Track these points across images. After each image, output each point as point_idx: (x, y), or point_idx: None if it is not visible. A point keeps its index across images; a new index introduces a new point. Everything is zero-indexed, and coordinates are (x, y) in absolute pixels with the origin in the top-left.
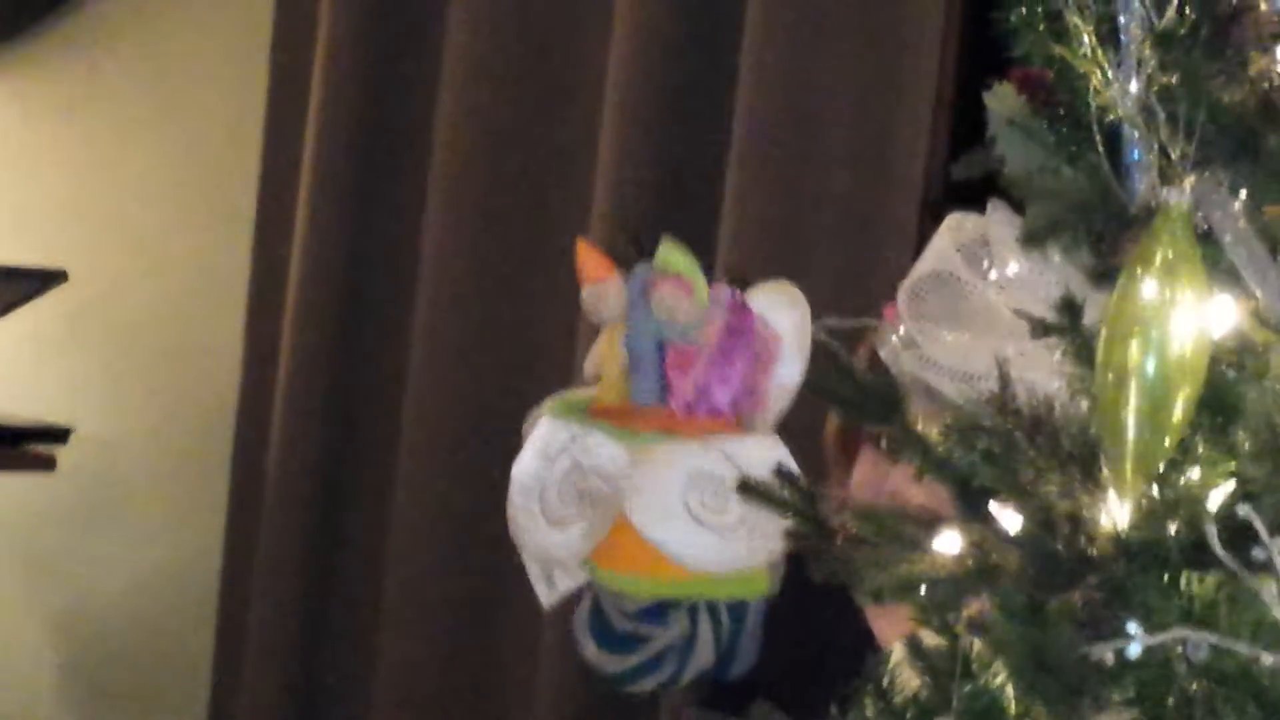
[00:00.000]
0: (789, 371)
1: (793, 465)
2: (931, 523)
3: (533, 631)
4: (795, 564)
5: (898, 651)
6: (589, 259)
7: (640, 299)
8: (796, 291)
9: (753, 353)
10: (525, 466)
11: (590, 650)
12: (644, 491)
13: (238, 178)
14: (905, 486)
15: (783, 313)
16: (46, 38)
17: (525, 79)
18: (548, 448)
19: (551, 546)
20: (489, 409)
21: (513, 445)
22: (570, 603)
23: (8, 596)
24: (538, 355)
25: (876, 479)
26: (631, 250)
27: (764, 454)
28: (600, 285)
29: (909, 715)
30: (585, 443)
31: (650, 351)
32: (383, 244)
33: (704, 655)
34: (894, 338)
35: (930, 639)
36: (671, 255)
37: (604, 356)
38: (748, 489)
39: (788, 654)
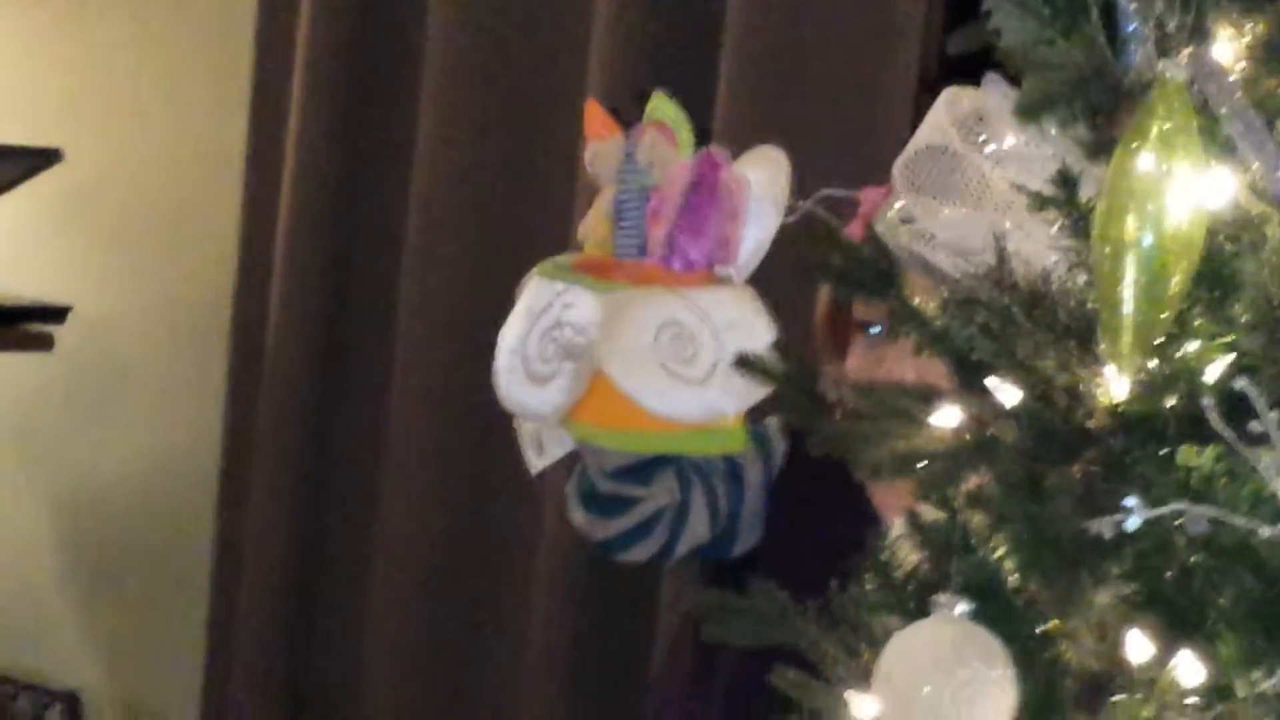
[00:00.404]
0: (762, 225)
1: (765, 316)
2: (929, 397)
3: (534, 516)
4: (797, 443)
5: (897, 526)
6: (594, 119)
7: (633, 153)
8: (775, 150)
9: (721, 204)
10: (509, 327)
11: (578, 515)
12: (615, 340)
13: (233, 54)
14: (900, 373)
15: (760, 166)
16: None
17: None
18: (531, 307)
19: (532, 404)
20: (488, 284)
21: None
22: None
23: (5, 478)
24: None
25: (870, 366)
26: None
27: (735, 304)
28: (601, 143)
29: (909, 589)
30: (565, 297)
31: (635, 205)
32: (381, 112)
33: (698, 526)
34: (890, 212)
35: (929, 514)
36: (662, 104)
37: (594, 215)
38: (744, 362)
39: (793, 534)
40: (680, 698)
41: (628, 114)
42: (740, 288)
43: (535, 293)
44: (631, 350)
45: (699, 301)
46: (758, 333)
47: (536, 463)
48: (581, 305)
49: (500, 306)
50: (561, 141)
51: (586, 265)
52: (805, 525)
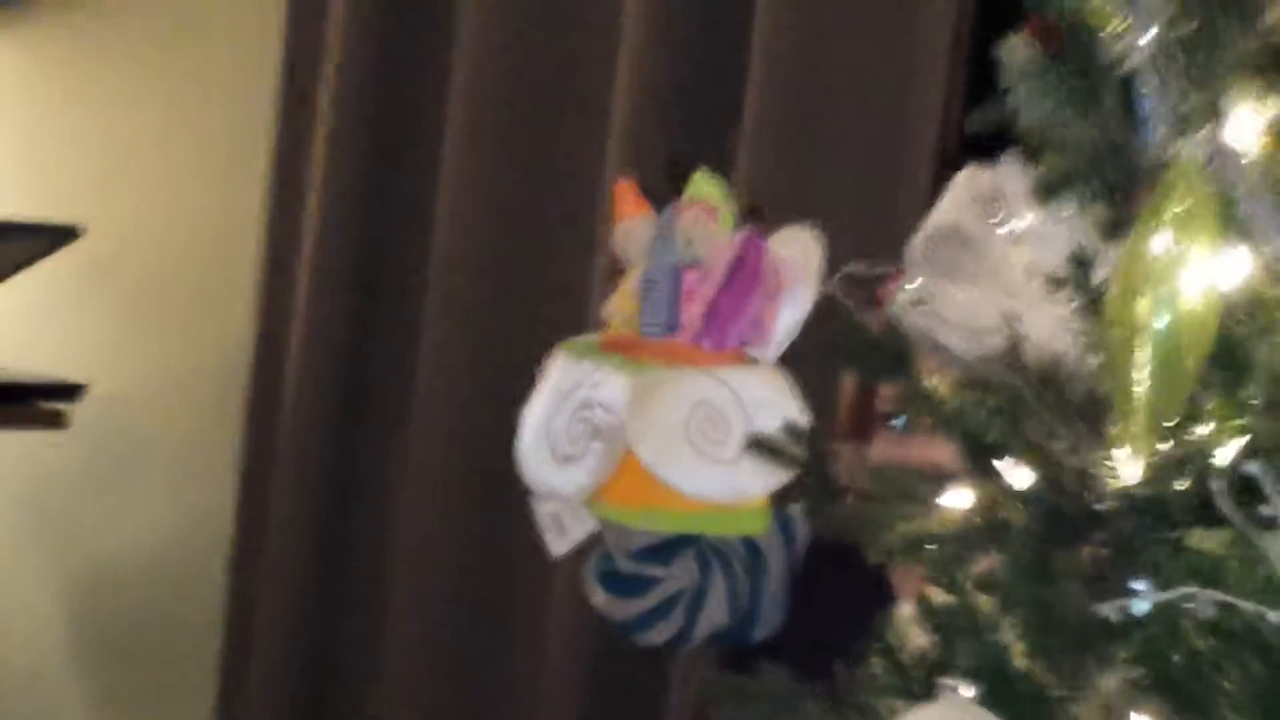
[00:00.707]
0: (797, 307)
1: (794, 397)
2: (941, 480)
3: (545, 588)
4: (818, 530)
5: (907, 610)
6: (625, 198)
7: (665, 230)
8: (808, 231)
9: (762, 285)
10: (535, 407)
11: (598, 596)
12: (645, 418)
13: (252, 131)
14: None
15: (795, 248)
16: None
17: (542, 24)
18: (558, 386)
19: (560, 485)
20: (504, 368)
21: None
22: (585, 559)
23: (19, 554)
24: (551, 316)
25: (894, 458)
26: (670, 189)
27: (767, 385)
28: (631, 222)
29: (916, 672)
30: (594, 377)
31: (666, 281)
32: (400, 200)
33: (717, 609)
34: (905, 292)
35: (939, 597)
36: (704, 182)
37: (622, 293)
38: (758, 444)
39: (815, 620)
40: None
41: (651, 179)
42: (771, 368)
43: (563, 372)
44: (663, 430)
45: (731, 382)
46: (789, 414)
47: (559, 545)
48: (611, 385)
49: (519, 359)
50: (589, 113)
51: (614, 344)
52: (827, 611)
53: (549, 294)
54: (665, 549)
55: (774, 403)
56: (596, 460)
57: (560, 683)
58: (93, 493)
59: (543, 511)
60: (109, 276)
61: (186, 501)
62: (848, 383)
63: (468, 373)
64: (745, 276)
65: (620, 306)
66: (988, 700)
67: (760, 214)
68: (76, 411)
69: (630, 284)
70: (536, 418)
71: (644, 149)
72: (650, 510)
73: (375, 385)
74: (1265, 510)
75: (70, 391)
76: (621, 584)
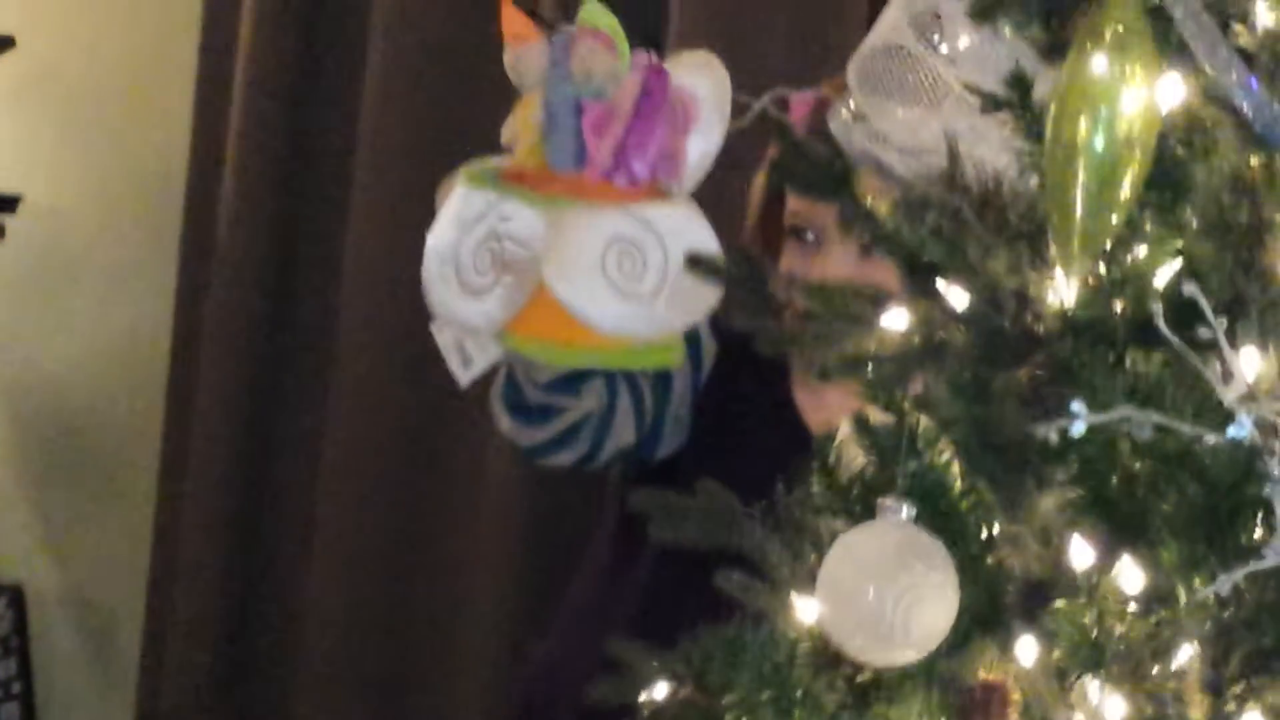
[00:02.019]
0: (707, 138)
1: (710, 229)
2: (879, 300)
3: (483, 425)
4: (724, 349)
5: (844, 429)
6: (513, 21)
7: (562, 60)
8: (716, 59)
9: (670, 117)
10: (440, 235)
11: (504, 423)
12: (561, 256)
13: None
14: (836, 277)
15: (702, 78)
16: None
17: None
18: (463, 215)
19: (469, 316)
20: (436, 173)
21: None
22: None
23: None
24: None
25: (802, 272)
26: (559, 14)
27: (683, 221)
28: (522, 47)
29: (855, 493)
30: (502, 209)
31: (568, 113)
32: (330, 31)
33: (624, 431)
34: (844, 111)
35: (877, 416)
36: (596, 11)
37: (521, 121)
38: (695, 261)
39: (717, 440)
40: (603, 596)
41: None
42: (686, 201)
43: (465, 200)
44: (579, 267)
45: (646, 217)
46: (705, 246)
47: (463, 375)
48: (521, 219)
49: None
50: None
51: (520, 175)
52: (732, 430)
53: (470, 127)
54: (574, 379)
55: (691, 236)
56: (507, 293)
57: (492, 556)
58: (30, 304)
59: (445, 340)
60: (43, 87)
61: (125, 311)
62: (754, 196)
63: (402, 177)
64: (652, 109)
65: (521, 135)
66: (926, 520)
67: (657, 41)
68: (11, 223)
69: (527, 112)
70: (441, 245)
71: None
72: (564, 346)
73: (311, 193)
74: (1202, 332)
75: (6, 203)
76: (529, 413)
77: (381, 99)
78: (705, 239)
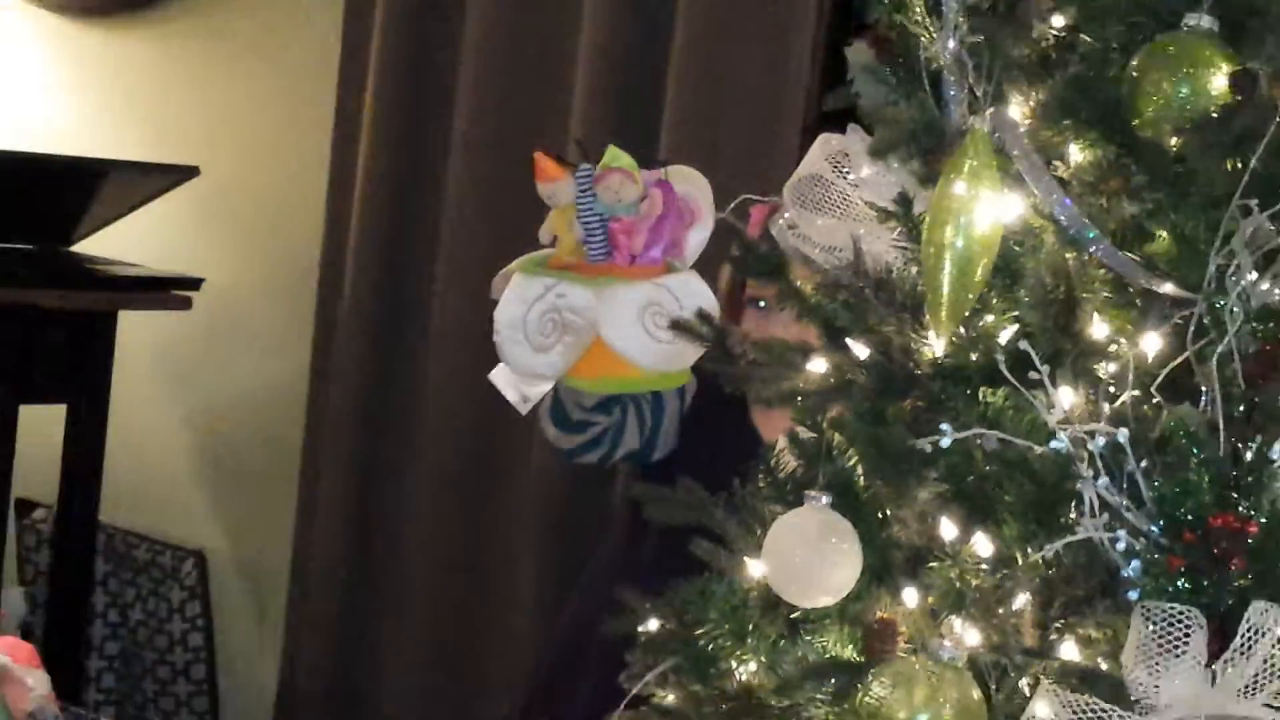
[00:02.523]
0: (703, 230)
1: (711, 296)
2: (806, 352)
3: (530, 435)
4: (704, 383)
5: (781, 442)
6: (544, 163)
7: (587, 188)
8: (698, 173)
9: (676, 217)
10: (508, 309)
11: (551, 433)
12: (612, 318)
13: (323, 98)
14: (780, 335)
15: (697, 188)
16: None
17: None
18: (525, 295)
19: (537, 366)
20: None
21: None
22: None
23: (156, 401)
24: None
25: (759, 330)
26: (579, 156)
27: (694, 286)
28: (554, 182)
29: (789, 487)
30: (558, 289)
31: (600, 225)
32: (421, 153)
33: (630, 438)
34: (781, 220)
35: (804, 433)
36: (617, 154)
37: (558, 229)
38: (679, 327)
39: (696, 447)
40: (617, 560)
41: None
42: (690, 272)
43: (526, 284)
44: (625, 323)
45: (668, 285)
46: (708, 303)
47: (523, 406)
48: (575, 294)
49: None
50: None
51: (566, 265)
52: (706, 441)
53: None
54: (603, 403)
55: (700, 297)
56: (566, 348)
57: (535, 526)
58: (207, 357)
59: (501, 383)
60: (217, 198)
61: (274, 364)
62: (723, 276)
63: (479, 267)
64: (664, 213)
65: (561, 239)
66: (838, 506)
67: (657, 161)
68: (197, 298)
69: (562, 221)
70: (511, 317)
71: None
72: (610, 379)
73: (408, 283)
74: (1033, 375)
75: (193, 283)
76: (570, 426)
77: (457, 208)
78: (708, 298)
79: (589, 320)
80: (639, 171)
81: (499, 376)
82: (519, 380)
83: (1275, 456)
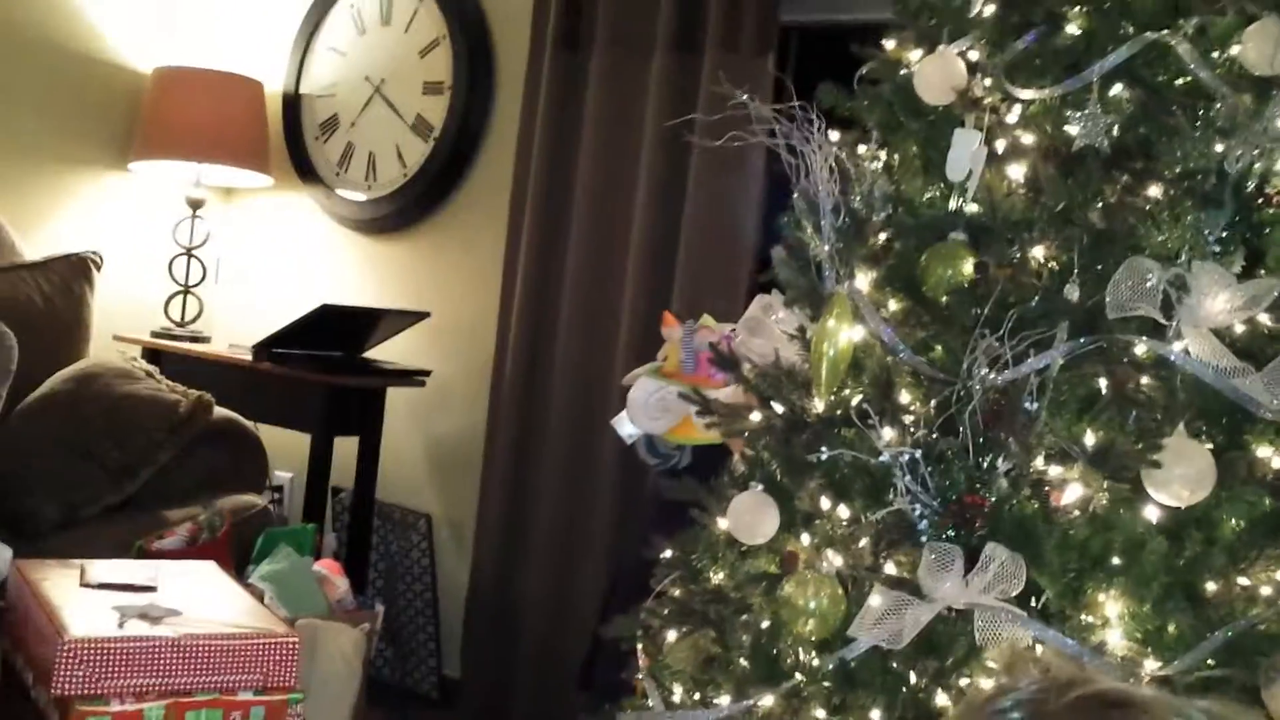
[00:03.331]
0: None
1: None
2: (749, 409)
3: (605, 454)
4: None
5: (736, 457)
6: (668, 318)
7: (689, 335)
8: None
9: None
10: (639, 394)
11: (644, 455)
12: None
13: (495, 272)
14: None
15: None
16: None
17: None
18: (647, 388)
19: (651, 427)
20: (589, 372)
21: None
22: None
23: (406, 433)
24: (619, 340)
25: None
26: (684, 316)
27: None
28: (670, 329)
29: (739, 479)
30: (669, 389)
31: (692, 357)
32: (548, 290)
33: (680, 461)
34: (738, 340)
35: (749, 452)
36: (708, 318)
37: (670, 355)
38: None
39: (702, 462)
40: (650, 518)
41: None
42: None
43: (645, 384)
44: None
45: (730, 393)
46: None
47: (629, 440)
48: (676, 392)
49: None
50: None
51: (670, 374)
52: (704, 461)
53: (596, 331)
54: (678, 447)
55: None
56: (667, 419)
57: (610, 487)
58: (432, 410)
59: (617, 426)
60: (440, 328)
61: (467, 419)
62: None
63: (578, 371)
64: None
65: (670, 359)
66: (767, 491)
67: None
68: (429, 381)
69: (672, 350)
70: (638, 399)
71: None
72: (687, 437)
73: (540, 366)
74: (869, 422)
75: (426, 374)
76: (657, 455)
77: (567, 325)
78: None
79: (680, 406)
80: (717, 327)
81: (617, 423)
82: (628, 428)
83: (999, 466)
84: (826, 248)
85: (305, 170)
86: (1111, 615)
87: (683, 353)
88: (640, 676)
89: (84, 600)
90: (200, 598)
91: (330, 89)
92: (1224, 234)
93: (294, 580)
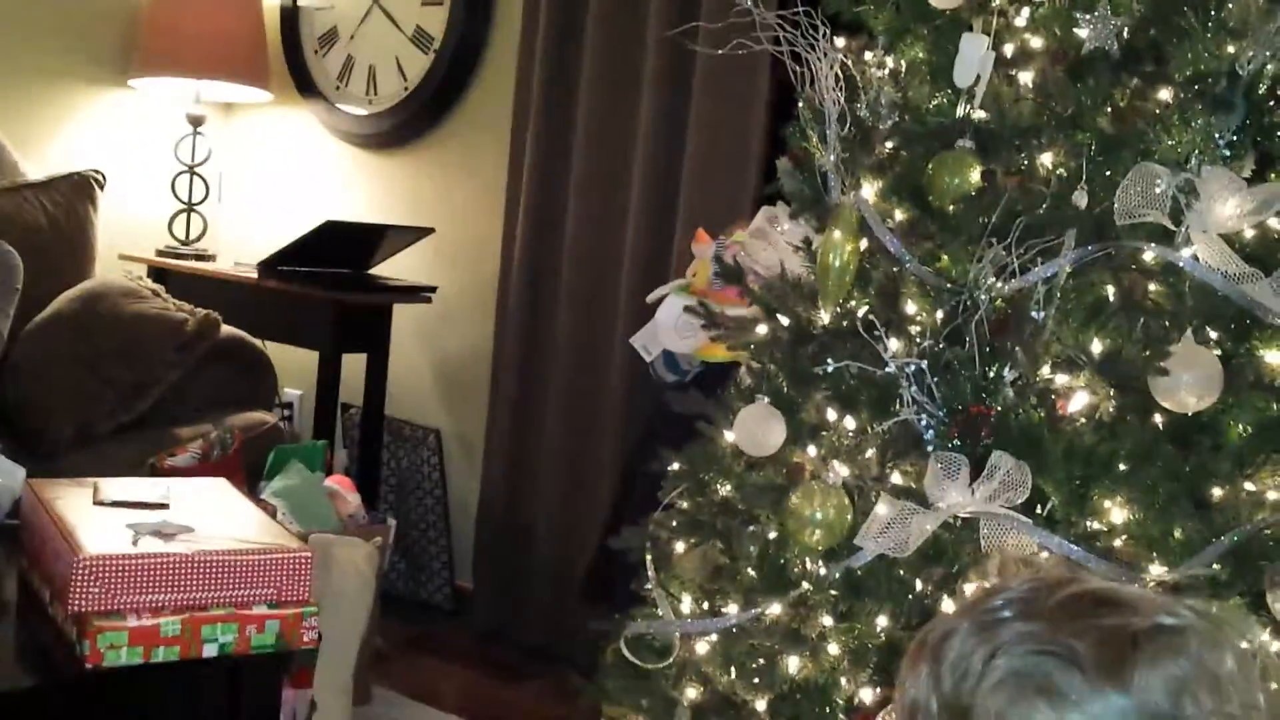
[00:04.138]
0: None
1: None
2: (755, 321)
3: (611, 379)
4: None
5: (743, 370)
6: (700, 234)
7: (720, 249)
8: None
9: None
10: (665, 314)
11: (661, 372)
12: None
13: (498, 186)
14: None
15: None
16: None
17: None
18: (675, 305)
19: (680, 346)
20: (609, 256)
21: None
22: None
23: (413, 350)
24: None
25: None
26: (714, 234)
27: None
28: (702, 245)
29: (746, 391)
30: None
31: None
32: (549, 227)
33: (692, 374)
34: (743, 249)
35: (755, 365)
36: (737, 233)
37: (700, 271)
38: (710, 317)
39: (710, 377)
40: (656, 431)
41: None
42: None
43: (674, 302)
44: None
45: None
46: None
47: (648, 357)
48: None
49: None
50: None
51: (701, 292)
52: (714, 372)
53: (602, 246)
54: (703, 364)
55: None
56: (697, 341)
57: (615, 400)
58: (439, 326)
59: (637, 344)
60: (445, 244)
61: (473, 328)
62: None
63: (582, 285)
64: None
65: (699, 275)
66: (773, 403)
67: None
68: (434, 297)
69: (702, 265)
70: (667, 318)
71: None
72: (709, 355)
73: (544, 279)
74: (875, 332)
75: (431, 289)
76: (677, 371)
77: (574, 238)
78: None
79: None
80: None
81: (636, 340)
82: (648, 344)
83: (1005, 375)
84: (832, 157)
85: (305, 85)
86: (1117, 521)
87: (713, 269)
88: (649, 587)
89: (97, 518)
90: (213, 514)
91: (328, 1)
92: (1234, 138)
93: (306, 496)
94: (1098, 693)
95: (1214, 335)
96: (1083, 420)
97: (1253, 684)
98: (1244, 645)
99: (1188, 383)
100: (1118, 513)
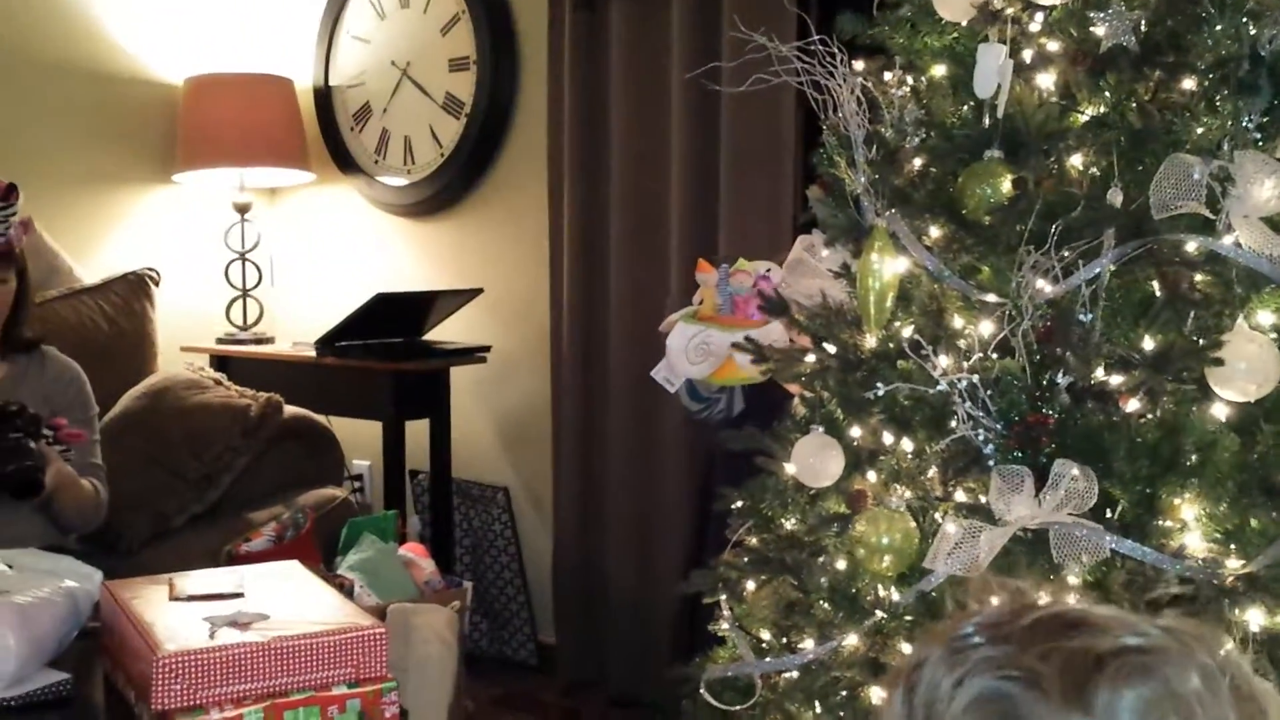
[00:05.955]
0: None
1: (782, 332)
2: (804, 351)
3: (660, 414)
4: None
5: (796, 400)
6: (702, 263)
7: (724, 278)
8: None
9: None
10: (676, 340)
11: (686, 401)
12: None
13: (541, 246)
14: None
15: (774, 275)
16: (488, 182)
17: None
18: (686, 333)
19: (692, 372)
20: (635, 320)
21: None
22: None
23: (473, 411)
24: (656, 296)
25: (780, 342)
26: (716, 260)
27: (774, 330)
28: (706, 274)
29: (803, 423)
30: (704, 330)
31: (728, 299)
32: (595, 269)
33: (727, 408)
34: (784, 282)
35: (807, 394)
36: (742, 261)
37: (705, 298)
38: (757, 350)
39: (760, 406)
40: (715, 470)
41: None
42: (774, 323)
43: (683, 329)
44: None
45: (767, 329)
46: (778, 338)
47: (671, 389)
48: (714, 334)
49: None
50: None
51: (706, 317)
52: (764, 403)
53: (647, 289)
54: (720, 390)
55: (774, 334)
56: (708, 364)
57: (676, 445)
58: (496, 385)
59: (658, 376)
60: (495, 303)
61: (530, 384)
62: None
63: (633, 333)
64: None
65: (705, 303)
66: (828, 432)
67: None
68: (490, 357)
69: (707, 294)
70: (677, 344)
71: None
72: (725, 379)
73: (595, 332)
74: (923, 352)
75: (486, 349)
76: (700, 399)
77: (616, 291)
78: (780, 334)
79: (721, 348)
80: (751, 268)
81: (657, 373)
82: (669, 375)
83: (1059, 381)
84: (862, 180)
85: (344, 161)
86: (1189, 518)
87: (719, 296)
88: (726, 628)
89: (174, 614)
90: (286, 598)
91: (359, 78)
92: (1264, 119)
93: (382, 567)
94: (1061, 716)
95: (1267, 320)
96: (1143, 419)
97: (1221, 701)
98: (1211, 662)
99: (1244, 370)
100: (1188, 509)
